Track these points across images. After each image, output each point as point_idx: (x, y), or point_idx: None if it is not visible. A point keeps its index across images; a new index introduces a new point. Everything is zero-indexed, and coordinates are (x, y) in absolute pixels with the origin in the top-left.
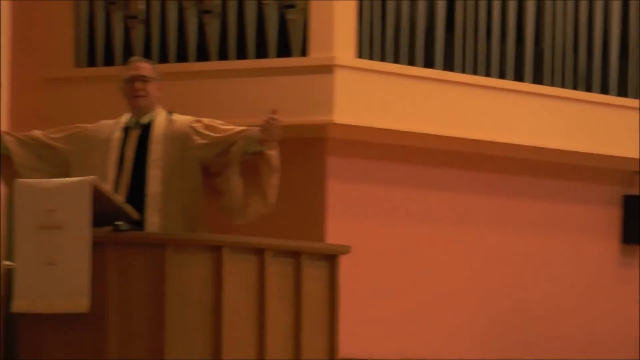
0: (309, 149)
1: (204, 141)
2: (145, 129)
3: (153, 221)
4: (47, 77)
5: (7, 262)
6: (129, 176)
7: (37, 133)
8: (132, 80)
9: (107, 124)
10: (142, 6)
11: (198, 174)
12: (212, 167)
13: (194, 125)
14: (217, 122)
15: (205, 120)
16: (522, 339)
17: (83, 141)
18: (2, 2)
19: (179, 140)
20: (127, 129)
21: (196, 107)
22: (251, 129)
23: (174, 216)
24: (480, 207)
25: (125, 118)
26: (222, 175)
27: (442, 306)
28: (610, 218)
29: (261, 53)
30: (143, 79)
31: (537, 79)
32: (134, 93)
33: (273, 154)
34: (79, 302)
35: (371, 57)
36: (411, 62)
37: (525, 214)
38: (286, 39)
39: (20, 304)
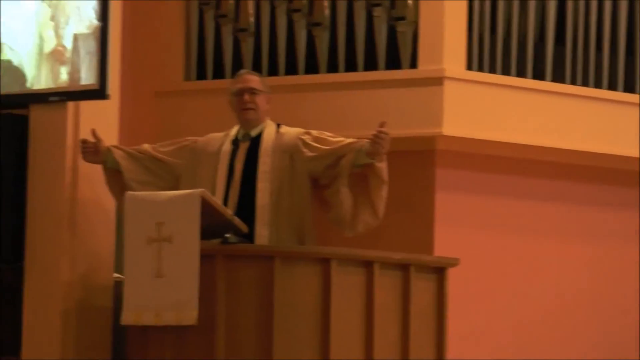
0: (418, 161)
1: (313, 154)
2: (255, 142)
3: (262, 234)
4: (158, 90)
5: (117, 275)
6: (238, 189)
7: (146, 146)
8: (240, 93)
9: (217, 136)
10: (252, 19)
11: (307, 187)
12: (322, 179)
13: (303, 137)
14: (326, 135)
15: (314, 132)
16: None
17: (192, 154)
18: (113, 17)
19: (288, 152)
20: (236, 142)
21: (305, 120)
22: (360, 141)
23: (283, 229)
24: (591, 219)
25: (234, 131)
26: (331, 187)
27: (550, 318)
28: None
29: (370, 65)
30: (252, 91)
31: None
32: (242, 106)
33: (382, 166)
34: (187, 314)
35: (481, 69)
36: (521, 74)
37: (635, 226)
38: (396, 51)
39: (129, 317)
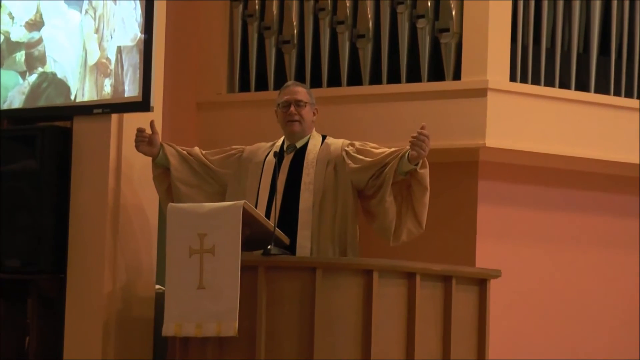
0: (461, 173)
1: (357, 165)
2: (299, 153)
3: (303, 245)
4: (201, 102)
5: (158, 286)
6: (281, 200)
7: (197, 150)
8: (286, 104)
9: (264, 146)
10: (295, 31)
11: (351, 198)
12: (366, 190)
13: (347, 149)
14: (369, 146)
15: (358, 143)
16: None
17: (239, 163)
18: (157, 29)
19: (332, 164)
20: (280, 154)
21: (348, 131)
22: (402, 149)
23: (325, 240)
24: (633, 230)
25: (280, 141)
26: (376, 197)
27: (592, 331)
28: None
29: (414, 77)
30: (298, 103)
31: None
32: (288, 118)
33: (424, 172)
34: (228, 325)
35: (524, 81)
36: (564, 86)
37: None
38: (439, 62)
39: (170, 328)
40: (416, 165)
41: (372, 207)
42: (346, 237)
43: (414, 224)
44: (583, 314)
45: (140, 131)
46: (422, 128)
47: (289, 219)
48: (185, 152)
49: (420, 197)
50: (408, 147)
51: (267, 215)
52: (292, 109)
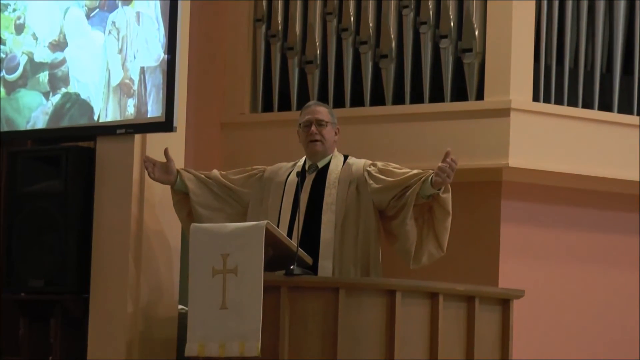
0: (484, 193)
1: (378, 185)
2: (321, 173)
3: (326, 265)
4: (224, 122)
5: (181, 306)
6: (303, 220)
7: (215, 172)
8: (308, 124)
9: (285, 166)
10: (318, 51)
11: (373, 218)
12: (388, 211)
13: (369, 169)
14: (392, 166)
15: (380, 164)
16: None
17: (260, 183)
18: (180, 50)
19: (354, 184)
20: (302, 174)
21: (371, 151)
22: (426, 172)
23: (347, 260)
24: None
25: (302, 161)
26: (397, 219)
27: (618, 351)
28: None
29: (437, 97)
30: (319, 123)
31: None
32: (309, 138)
33: (447, 197)
34: (251, 346)
35: (547, 101)
36: (587, 106)
37: None
38: (462, 82)
39: (193, 348)
40: (439, 190)
41: (393, 228)
42: (369, 258)
43: (435, 247)
44: (608, 333)
45: (145, 160)
46: (447, 155)
47: (311, 239)
48: (203, 175)
49: (442, 221)
50: (431, 171)
51: (290, 235)
52: (314, 128)
